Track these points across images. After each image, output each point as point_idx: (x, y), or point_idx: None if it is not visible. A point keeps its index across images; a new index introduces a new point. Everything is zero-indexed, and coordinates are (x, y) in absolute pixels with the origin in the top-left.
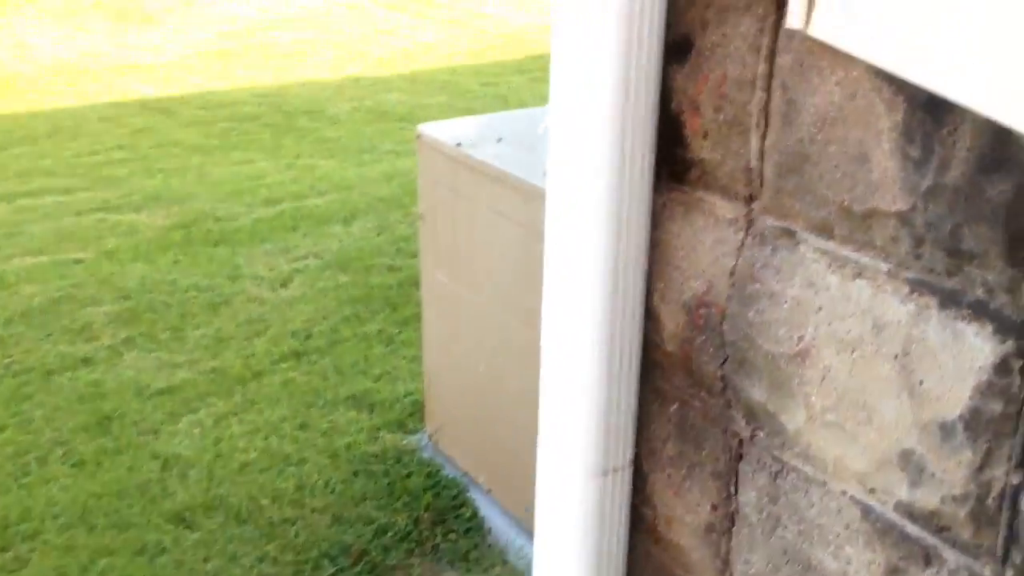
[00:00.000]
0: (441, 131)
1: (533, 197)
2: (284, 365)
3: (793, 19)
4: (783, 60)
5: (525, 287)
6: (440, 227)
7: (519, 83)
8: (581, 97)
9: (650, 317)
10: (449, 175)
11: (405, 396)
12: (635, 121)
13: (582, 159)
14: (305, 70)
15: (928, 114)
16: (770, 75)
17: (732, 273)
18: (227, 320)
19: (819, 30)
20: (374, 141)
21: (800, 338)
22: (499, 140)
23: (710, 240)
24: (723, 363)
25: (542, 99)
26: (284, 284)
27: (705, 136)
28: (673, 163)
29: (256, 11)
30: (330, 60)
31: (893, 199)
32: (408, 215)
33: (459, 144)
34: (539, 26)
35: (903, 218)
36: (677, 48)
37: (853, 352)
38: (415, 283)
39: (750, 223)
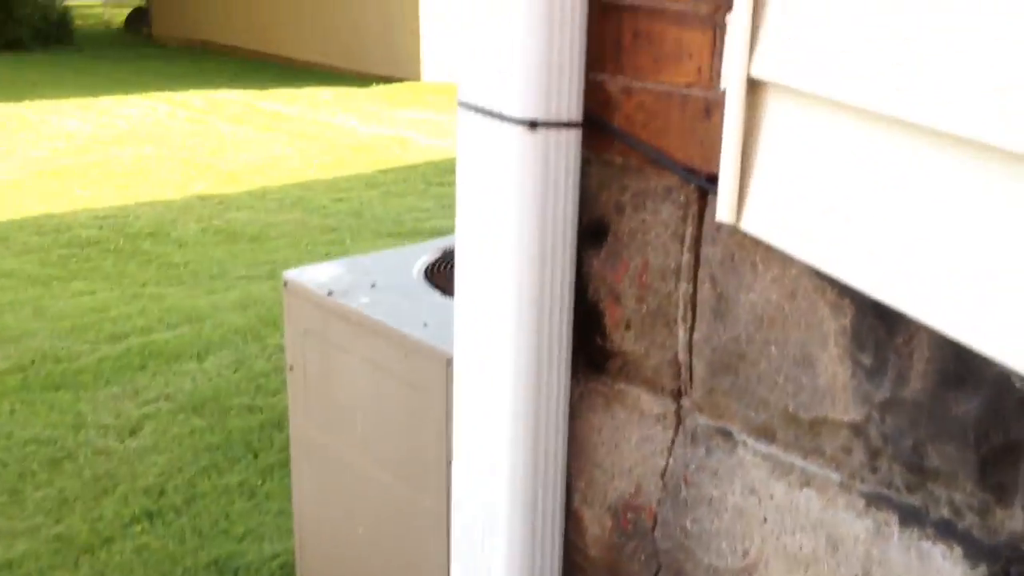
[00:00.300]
0: (309, 277)
1: (414, 350)
2: (136, 528)
3: (722, 212)
4: (711, 251)
5: (407, 445)
6: (311, 379)
7: (372, 198)
8: (489, 281)
9: (571, 518)
10: (320, 325)
11: (273, 559)
12: (551, 310)
13: (493, 348)
14: (148, 189)
15: (880, 320)
16: (696, 265)
17: (663, 474)
18: (71, 478)
19: (751, 225)
20: (225, 266)
21: (745, 552)
22: (373, 286)
23: (636, 437)
24: (656, 573)
25: (396, 215)
26: (133, 432)
27: (628, 327)
28: (592, 352)
29: (93, 127)
30: (174, 178)
31: (844, 408)
32: (266, 348)
33: (330, 292)
34: (388, 136)
35: (856, 429)
36: (592, 232)
37: (807, 570)
38: (277, 425)
39: (680, 420)
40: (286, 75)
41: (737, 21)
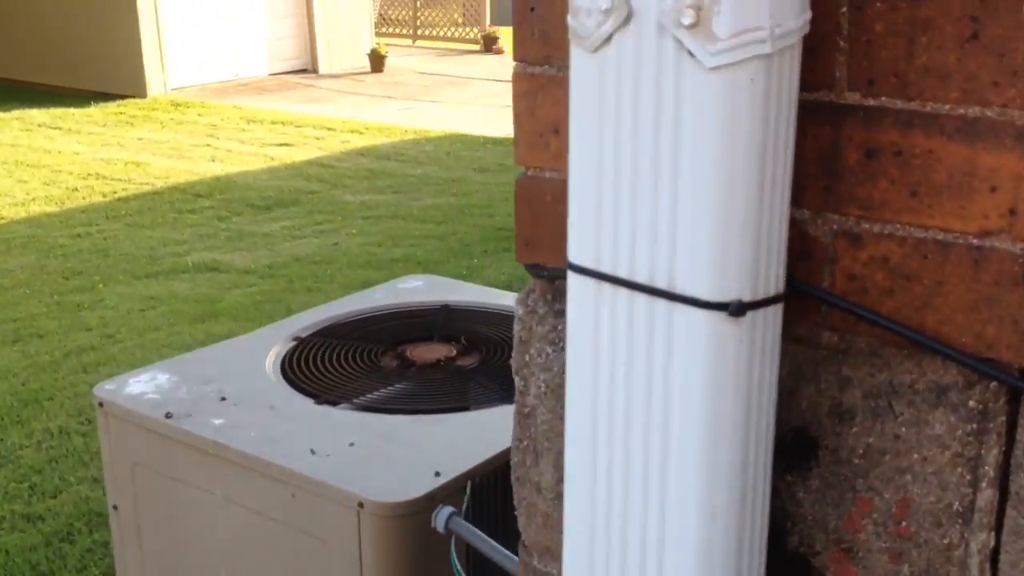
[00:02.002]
0: (133, 391)
1: (305, 490)
2: None
3: None
4: None
5: None
6: (147, 523)
7: (117, 231)
8: (644, 518)
9: None
10: (157, 457)
11: None
12: (748, 565)
13: None
14: None
15: None
16: (1001, 506)
17: None
18: None
19: None
20: None
21: None
22: (223, 399)
23: None
24: None
25: (149, 250)
26: None
27: None
28: None
29: None
30: None
31: None
32: (32, 435)
33: (169, 415)
34: (121, 161)
35: None
36: (791, 447)
37: None
38: (66, 537)
39: None
40: None
41: None
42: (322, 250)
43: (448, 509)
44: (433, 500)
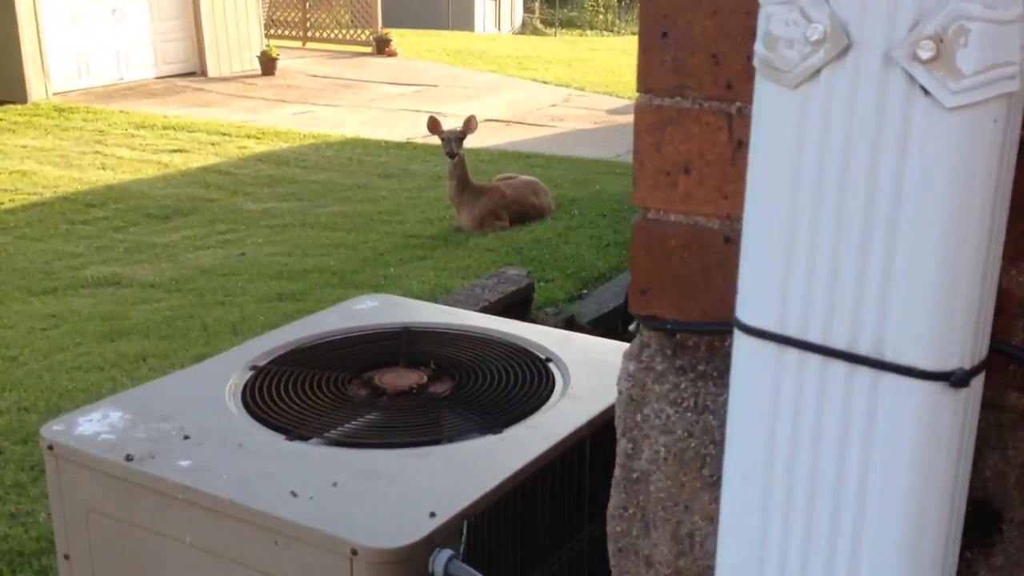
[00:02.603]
0: (85, 431)
1: (290, 537)
2: None
3: None
4: None
5: None
6: (104, 574)
7: (6, 244)
8: None
9: None
10: (117, 502)
11: None
12: None
13: None
14: None
15: None
16: None
17: None
18: None
19: None
20: None
21: None
22: (186, 438)
23: None
24: None
25: (44, 263)
26: None
27: None
28: None
29: None
30: None
31: None
32: None
33: (129, 457)
34: (5, 170)
35: None
36: (974, 522)
37: None
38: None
39: None
40: None
41: None
42: (228, 261)
43: (447, 552)
44: (432, 543)
